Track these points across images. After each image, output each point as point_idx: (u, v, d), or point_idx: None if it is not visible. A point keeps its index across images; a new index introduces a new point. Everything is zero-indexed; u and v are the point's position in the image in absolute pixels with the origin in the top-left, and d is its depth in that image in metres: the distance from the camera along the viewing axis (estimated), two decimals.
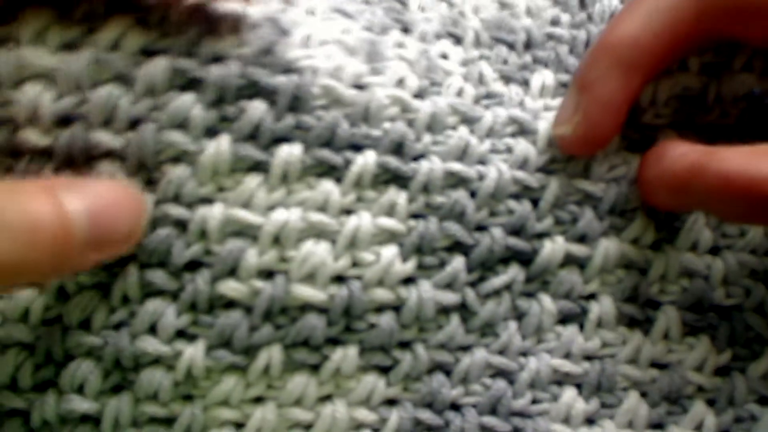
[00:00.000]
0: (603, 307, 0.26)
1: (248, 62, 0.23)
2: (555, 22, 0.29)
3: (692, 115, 0.28)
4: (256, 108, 0.23)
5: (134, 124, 0.22)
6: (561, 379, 0.25)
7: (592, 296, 0.26)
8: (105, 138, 0.22)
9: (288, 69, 0.23)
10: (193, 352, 0.23)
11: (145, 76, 0.22)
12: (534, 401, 0.25)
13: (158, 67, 0.22)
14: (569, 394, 0.25)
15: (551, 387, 0.25)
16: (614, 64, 0.25)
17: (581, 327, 0.26)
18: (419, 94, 0.25)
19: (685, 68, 0.28)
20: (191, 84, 0.23)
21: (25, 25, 0.22)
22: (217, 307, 0.23)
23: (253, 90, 0.23)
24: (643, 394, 0.25)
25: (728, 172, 0.22)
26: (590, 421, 0.25)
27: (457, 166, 0.25)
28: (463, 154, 0.25)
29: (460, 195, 0.25)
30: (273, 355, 0.24)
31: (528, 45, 0.29)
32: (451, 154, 0.25)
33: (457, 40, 0.28)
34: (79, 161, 0.22)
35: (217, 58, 0.23)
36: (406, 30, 0.28)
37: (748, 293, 0.26)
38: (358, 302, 0.24)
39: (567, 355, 0.25)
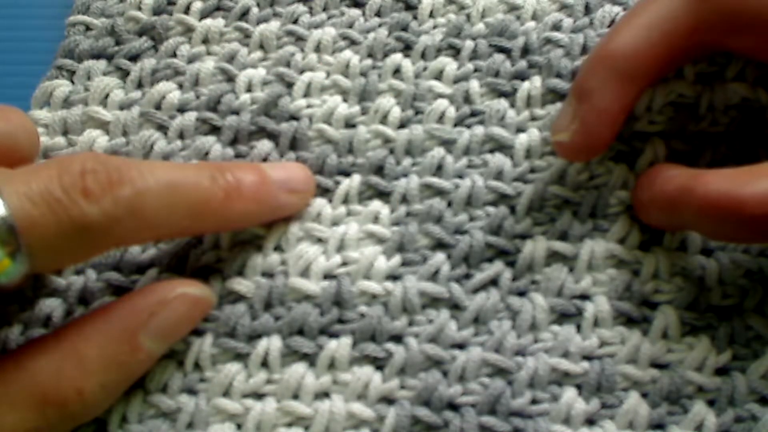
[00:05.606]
0: (598, 305, 0.26)
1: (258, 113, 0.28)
2: (557, 27, 0.30)
3: (684, 123, 0.28)
4: (264, 144, 0.28)
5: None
6: (560, 380, 0.25)
7: (587, 297, 0.26)
8: None
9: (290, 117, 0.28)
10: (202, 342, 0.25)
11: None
12: (534, 401, 0.25)
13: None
14: (569, 394, 0.25)
15: (551, 387, 0.25)
16: (612, 74, 0.25)
17: (578, 328, 0.26)
18: (403, 124, 0.28)
19: (680, 76, 0.28)
20: (213, 130, 0.28)
21: None
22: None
23: (262, 134, 0.28)
24: (644, 395, 0.25)
25: (713, 194, 0.23)
26: (591, 421, 0.25)
27: (432, 180, 0.27)
28: (438, 170, 0.28)
29: (436, 201, 0.27)
30: (272, 342, 0.25)
31: (525, 50, 0.30)
32: (427, 171, 0.28)
33: (456, 51, 0.30)
34: None
35: (234, 112, 0.28)
36: (408, 47, 0.30)
37: (745, 293, 0.26)
38: (347, 293, 0.26)
39: (565, 355, 0.25)
